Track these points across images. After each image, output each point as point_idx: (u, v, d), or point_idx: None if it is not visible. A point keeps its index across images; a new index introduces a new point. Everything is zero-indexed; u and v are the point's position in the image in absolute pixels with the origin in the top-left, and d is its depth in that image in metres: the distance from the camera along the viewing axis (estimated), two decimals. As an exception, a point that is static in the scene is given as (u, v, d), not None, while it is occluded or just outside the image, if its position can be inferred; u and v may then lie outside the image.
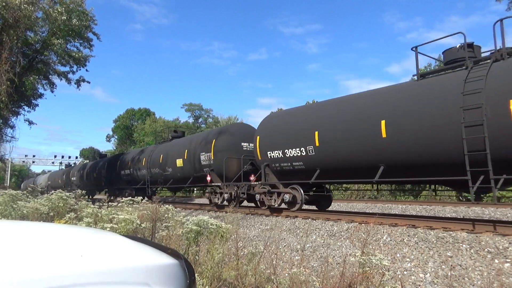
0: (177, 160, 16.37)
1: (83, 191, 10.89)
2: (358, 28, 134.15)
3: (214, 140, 14.19)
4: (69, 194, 8.94)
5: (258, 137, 12.19)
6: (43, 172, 67.79)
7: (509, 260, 5.41)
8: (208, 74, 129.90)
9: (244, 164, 13.41)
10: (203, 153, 14.55)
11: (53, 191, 9.23)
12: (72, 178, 32.94)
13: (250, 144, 13.88)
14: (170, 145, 18.18)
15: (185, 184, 16.25)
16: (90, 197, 24.68)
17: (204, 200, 24.58)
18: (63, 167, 55.83)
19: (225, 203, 13.57)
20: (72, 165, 44.42)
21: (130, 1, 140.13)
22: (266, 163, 11.75)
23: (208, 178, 14.17)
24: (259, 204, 12.42)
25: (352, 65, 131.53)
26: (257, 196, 12.19)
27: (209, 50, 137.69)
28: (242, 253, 4.76)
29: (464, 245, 6.09)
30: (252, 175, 12.78)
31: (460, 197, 20.76)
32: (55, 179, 41.10)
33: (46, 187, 38.52)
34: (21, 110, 21.06)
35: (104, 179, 25.71)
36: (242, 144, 14.11)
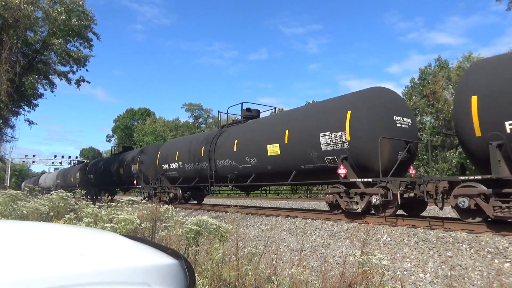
0: (268, 146, 11.61)
1: (101, 191, 11.55)
2: (358, 28, 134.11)
3: (349, 112, 9.35)
4: (69, 194, 8.94)
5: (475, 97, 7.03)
6: (43, 172, 67.62)
7: (509, 260, 5.41)
8: (209, 74, 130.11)
9: (398, 150, 9.17)
10: (327, 132, 9.69)
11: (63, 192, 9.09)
12: (90, 176, 28.32)
13: (405, 119, 9.58)
14: (249, 127, 13.53)
15: (285, 181, 11.26)
16: (110, 197, 22.45)
17: (205, 200, 24.38)
18: (66, 166, 54.92)
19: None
20: (86, 161, 39.62)
21: (131, 2, 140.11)
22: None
23: (342, 172, 9.29)
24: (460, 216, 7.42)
25: (353, 65, 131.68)
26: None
27: (210, 50, 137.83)
28: (242, 253, 4.76)
29: (464, 245, 6.09)
30: (411, 166, 9.87)
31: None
32: (67, 177, 35.86)
33: (54, 186, 35.80)
34: (21, 110, 21.06)
35: (133, 177, 21.77)
36: (395, 118, 9.38)
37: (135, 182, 20.82)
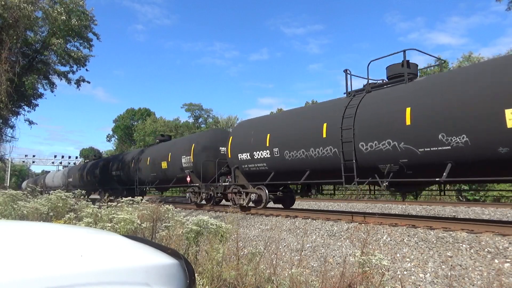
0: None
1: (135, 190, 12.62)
2: (359, 29, 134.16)
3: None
4: (69, 194, 8.94)
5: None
6: (43, 172, 67.46)
7: (509, 260, 5.40)
8: (209, 74, 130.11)
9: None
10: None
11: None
12: (115, 172, 23.25)
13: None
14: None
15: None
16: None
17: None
18: (67, 164, 53.72)
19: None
20: (107, 156, 35.28)
21: (132, 2, 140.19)
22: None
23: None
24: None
25: (353, 65, 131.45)
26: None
27: (210, 51, 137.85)
28: (242, 253, 4.76)
29: (464, 245, 6.09)
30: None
31: (460, 197, 20.77)
32: (83, 175, 29.36)
33: (65, 186, 31.90)
34: (21, 110, 21.08)
35: (184, 172, 22.93)
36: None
37: (188, 179, 15.48)
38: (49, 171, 52.88)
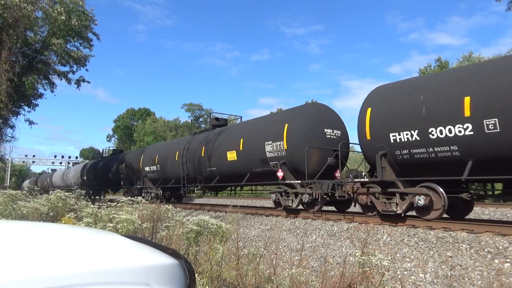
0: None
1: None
2: (360, 29, 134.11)
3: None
4: (69, 194, 8.94)
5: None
6: (43, 172, 67.38)
7: (509, 260, 5.40)
8: (210, 74, 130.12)
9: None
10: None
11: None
12: (146, 168, 19.21)
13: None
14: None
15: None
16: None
17: (205, 200, 24.50)
18: (66, 165, 52.44)
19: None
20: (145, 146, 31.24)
21: (133, 2, 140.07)
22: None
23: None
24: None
25: (354, 65, 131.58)
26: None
27: (211, 51, 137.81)
28: (242, 253, 4.76)
29: (464, 245, 6.09)
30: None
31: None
32: (101, 172, 25.30)
33: (77, 185, 27.84)
34: (21, 110, 21.10)
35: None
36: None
37: (280, 174, 11.24)
38: (56, 170, 49.04)
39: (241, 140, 12.50)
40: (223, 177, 13.85)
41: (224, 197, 27.09)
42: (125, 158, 22.60)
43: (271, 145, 11.34)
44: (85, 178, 28.26)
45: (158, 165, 17.71)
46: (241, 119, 17.14)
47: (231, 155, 12.90)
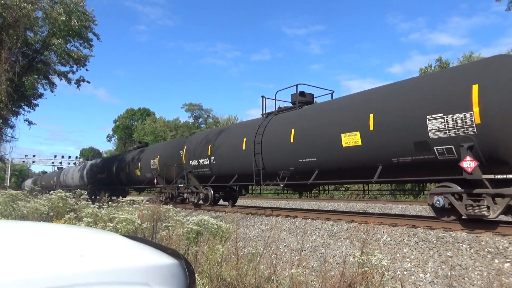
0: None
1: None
2: (360, 29, 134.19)
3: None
4: (69, 194, 8.95)
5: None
6: (44, 172, 67.33)
7: (509, 260, 5.40)
8: (210, 74, 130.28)
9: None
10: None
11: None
12: (192, 162, 16.73)
13: None
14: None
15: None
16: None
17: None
18: (66, 165, 51.39)
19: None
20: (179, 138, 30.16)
21: (134, 3, 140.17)
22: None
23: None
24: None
25: (354, 65, 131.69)
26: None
27: (212, 51, 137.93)
28: (242, 253, 4.76)
29: (464, 245, 6.09)
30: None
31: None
32: (123, 167, 21.60)
33: (92, 184, 25.94)
34: (21, 110, 21.11)
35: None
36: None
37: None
38: (62, 168, 44.93)
39: (371, 116, 8.67)
40: (325, 171, 10.11)
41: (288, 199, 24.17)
42: (157, 151, 18.82)
43: (441, 120, 7.31)
44: (103, 175, 24.28)
45: (211, 158, 14.03)
46: (331, 95, 12.68)
47: (350, 139, 9.24)
